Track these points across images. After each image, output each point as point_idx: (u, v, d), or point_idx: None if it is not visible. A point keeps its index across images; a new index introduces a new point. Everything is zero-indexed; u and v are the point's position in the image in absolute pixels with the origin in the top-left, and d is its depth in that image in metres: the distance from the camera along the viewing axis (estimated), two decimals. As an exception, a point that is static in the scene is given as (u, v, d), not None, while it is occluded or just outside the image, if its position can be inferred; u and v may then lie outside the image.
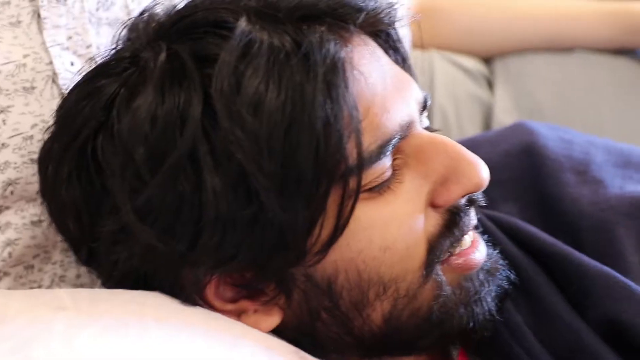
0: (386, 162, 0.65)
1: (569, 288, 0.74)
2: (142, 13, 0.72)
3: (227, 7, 0.66)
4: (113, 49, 0.71)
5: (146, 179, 0.63)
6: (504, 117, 1.08)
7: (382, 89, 0.66)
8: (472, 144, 0.84)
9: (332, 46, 0.63)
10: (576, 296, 0.73)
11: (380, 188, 0.66)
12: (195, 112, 0.62)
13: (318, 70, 0.62)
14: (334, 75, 0.62)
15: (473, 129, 1.10)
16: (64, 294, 0.66)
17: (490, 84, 1.14)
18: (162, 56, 0.65)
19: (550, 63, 1.12)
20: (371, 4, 0.68)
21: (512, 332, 0.72)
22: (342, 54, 0.63)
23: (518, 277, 0.73)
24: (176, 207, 0.63)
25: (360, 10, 0.67)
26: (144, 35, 0.69)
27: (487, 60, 1.16)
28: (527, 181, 0.82)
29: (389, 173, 0.66)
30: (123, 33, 0.72)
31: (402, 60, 0.74)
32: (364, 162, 0.63)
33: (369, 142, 0.64)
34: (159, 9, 0.71)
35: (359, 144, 0.62)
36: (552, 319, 0.73)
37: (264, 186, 0.61)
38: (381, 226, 0.65)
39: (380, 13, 0.69)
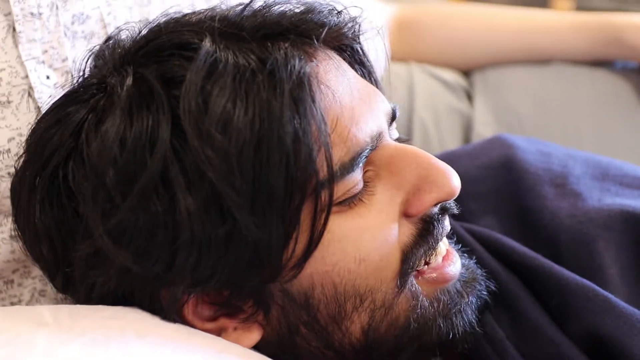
0: (357, 174, 0.66)
1: (549, 301, 0.74)
2: (107, 40, 0.73)
3: (191, 29, 0.67)
4: (80, 76, 0.71)
5: (118, 202, 0.63)
6: (484, 129, 1.09)
7: (349, 102, 0.67)
8: (451, 157, 0.85)
9: (297, 62, 0.64)
10: (557, 310, 0.73)
11: (352, 201, 0.66)
12: (164, 134, 0.62)
13: (284, 86, 0.62)
14: (300, 91, 0.63)
15: (453, 142, 1.10)
16: (45, 310, 0.66)
17: (469, 97, 1.15)
18: (129, 80, 0.65)
19: (528, 75, 1.13)
20: (334, 19, 0.69)
21: (494, 346, 0.73)
22: (308, 69, 0.64)
23: (499, 291, 0.74)
24: (150, 228, 0.63)
25: (323, 25, 0.68)
26: (110, 61, 0.69)
27: (467, 73, 1.17)
28: (506, 194, 0.83)
29: (360, 186, 0.66)
30: (90, 61, 0.72)
31: (368, 74, 0.75)
32: (335, 175, 0.64)
33: (340, 155, 0.64)
34: (124, 35, 0.71)
35: (329, 158, 0.63)
36: (533, 332, 0.73)
37: (237, 204, 0.61)
38: (355, 238, 0.66)
39: (343, 28, 0.70)
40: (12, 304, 0.77)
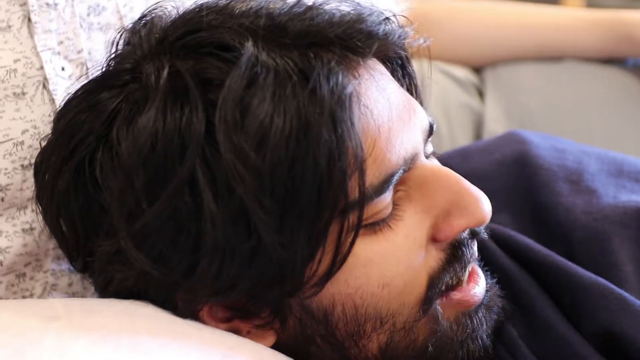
0: (387, 196, 0.64)
1: (563, 300, 0.73)
2: (142, 17, 0.70)
3: (233, 27, 0.64)
4: (113, 54, 0.69)
5: (144, 206, 0.62)
6: (495, 126, 1.09)
7: (387, 121, 0.64)
8: (464, 154, 0.84)
9: (339, 80, 0.61)
10: (570, 308, 0.73)
11: (380, 224, 0.64)
12: (196, 139, 0.61)
13: (325, 105, 0.60)
14: (340, 111, 0.61)
15: (464, 138, 1.11)
16: (56, 304, 0.66)
17: (480, 93, 1.14)
18: (165, 73, 0.63)
19: (539, 72, 1.13)
20: (382, 31, 0.66)
21: (506, 345, 0.72)
22: (350, 88, 0.62)
23: (512, 290, 0.73)
24: (173, 235, 0.62)
25: (370, 38, 0.65)
26: (146, 43, 0.67)
27: (478, 69, 1.18)
28: (520, 191, 0.82)
29: (389, 210, 0.65)
30: (123, 35, 0.70)
31: (409, 83, 0.73)
32: (366, 198, 0.62)
33: (372, 177, 0.63)
34: (161, 13, 0.69)
35: (361, 182, 0.61)
36: (546, 331, 0.72)
37: (264, 222, 0.60)
38: (380, 263, 0.64)
39: (390, 39, 0.67)
40: (24, 297, 0.77)
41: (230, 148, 0.59)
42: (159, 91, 0.62)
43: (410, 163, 0.65)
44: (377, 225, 0.64)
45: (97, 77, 0.68)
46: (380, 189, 0.63)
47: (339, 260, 0.62)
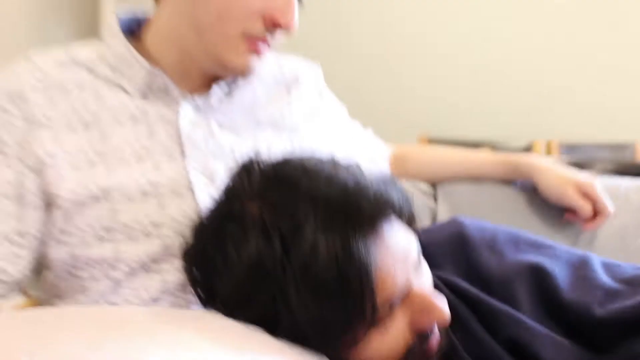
0: (387, 310, 0.65)
1: (486, 321, 0.74)
2: (244, 165, 0.68)
3: (304, 199, 0.61)
4: (227, 189, 0.69)
5: (241, 301, 0.62)
6: (444, 217, 1.08)
7: (394, 268, 0.64)
8: (425, 231, 0.85)
9: (368, 246, 0.61)
10: (491, 326, 0.74)
11: (382, 323, 0.65)
12: (274, 273, 0.61)
13: (356, 266, 0.60)
14: (366, 270, 0.61)
15: (425, 223, 1.09)
16: (187, 313, 0.68)
17: (435, 199, 1.14)
18: (257, 217, 0.63)
19: (469, 187, 1.15)
20: (397, 197, 0.64)
21: (454, 351, 0.73)
22: (373, 251, 0.61)
23: (454, 315, 0.72)
24: (261, 318, 0.61)
25: (390, 206, 0.63)
26: (247, 186, 0.66)
27: (433, 185, 1.18)
28: (459, 255, 0.82)
29: (389, 316, 0.66)
30: (233, 178, 0.68)
31: (408, 211, 0.68)
32: (375, 314, 0.63)
33: (380, 301, 0.63)
34: (260, 163, 0.67)
35: (374, 308, 0.62)
36: (475, 340, 0.73)
37: (315, 340, 0.62)
38: (379, 344, 0.66)
39: (401, 201, 0.65)
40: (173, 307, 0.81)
41: (295, 290, 0.60)
42: (254, 230, 0.62)
43: (404, 290, 0.65)
44: (381, 323, 0.65)
45: (220, 207, 0.67)
46: (385, 309, 0.64)
47: (356, 345, 0.64)
